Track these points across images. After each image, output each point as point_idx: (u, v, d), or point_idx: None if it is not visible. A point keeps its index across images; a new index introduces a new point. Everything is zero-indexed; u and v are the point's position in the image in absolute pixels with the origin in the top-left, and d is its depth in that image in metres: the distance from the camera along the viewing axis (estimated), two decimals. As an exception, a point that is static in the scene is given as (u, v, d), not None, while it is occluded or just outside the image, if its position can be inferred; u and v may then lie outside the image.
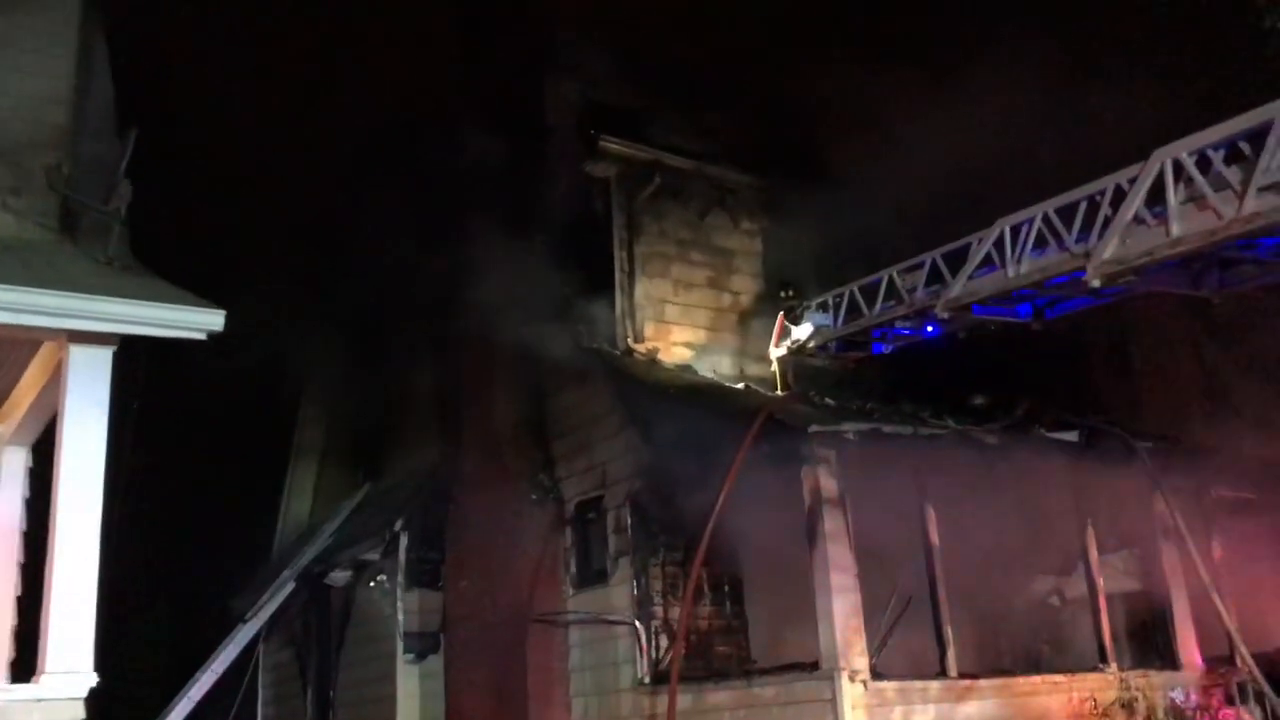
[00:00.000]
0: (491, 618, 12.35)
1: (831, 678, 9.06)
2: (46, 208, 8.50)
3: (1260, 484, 11.84)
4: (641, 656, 11.04)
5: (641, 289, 12.07)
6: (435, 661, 13.27)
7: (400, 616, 13.41)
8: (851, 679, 9.04)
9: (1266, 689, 9.92)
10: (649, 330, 11.99)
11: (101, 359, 6.95)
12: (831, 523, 9.44)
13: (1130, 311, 11.59)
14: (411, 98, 13.41)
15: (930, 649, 9.81)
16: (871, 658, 9.26)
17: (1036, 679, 9.99)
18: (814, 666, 9.31)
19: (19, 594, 8.49)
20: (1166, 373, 14.41)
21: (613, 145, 12.16)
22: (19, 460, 8.67)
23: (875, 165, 11.03)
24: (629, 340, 11.88)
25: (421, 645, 13.31)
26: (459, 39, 13.60)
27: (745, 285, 12.57)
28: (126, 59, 10.25)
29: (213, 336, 7.19)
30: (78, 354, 6.91)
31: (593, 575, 11.74)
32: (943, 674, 9.62)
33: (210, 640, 15.25)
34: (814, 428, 9.45)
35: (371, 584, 14.05)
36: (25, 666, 8.00)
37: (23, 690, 6.42)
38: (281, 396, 16.82)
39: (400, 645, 13.33)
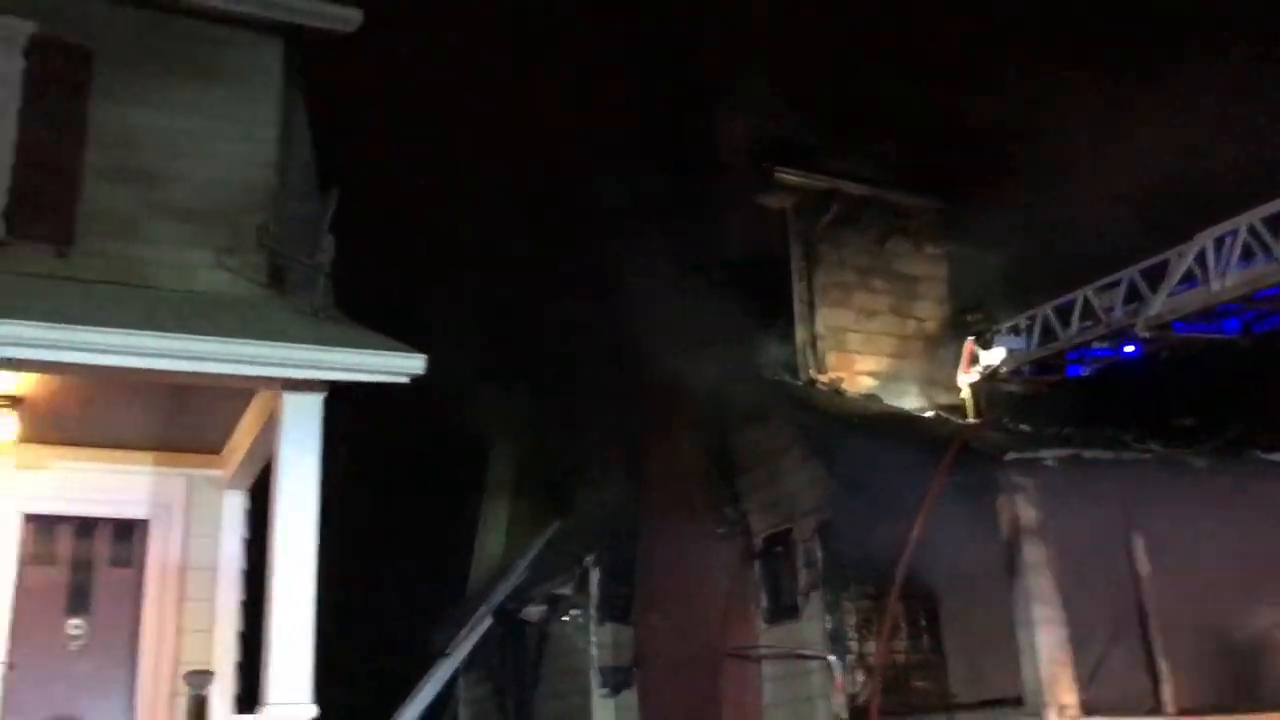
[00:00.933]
0: (683, 652, 12.41)
1: (1038, 713, 8.74)
2: (257, 264, 9.05)
3: None
4: (837, 692, 10.87)
5: (822, 319, 12.00)
6: (630, 695, 13.39)
7: (594, 651, 13.59)
8: (1060, 714, 8.70)
9: None
10: (831, 360, 11.90)
11: (313, 405, 7.34)
12: (1032, 553, 9.13)
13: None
14: (586, 141, 13.73)
15: (1142, 684, 9.35)
16: (1081, 692, 8.89)
17: (1259, 717, 9.40)
18: (1017, 702, 9.00)
19: (241, 630, 8.97)
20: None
21: (788, 176, 12.17)
22: (237, 503, 9.20)
23: (1061, 183, 10.72)
24: (811, 371, 11.81)
25: (615, 679, 13.45)
26: (628, 79, 13.89)
27: (930, 311, 12.35)
28: (323, 121, 10.85)
29: (414, 380, 7.51)
30: (291, 400, 7.31)
31: (784, 609, 11.65)
32: (1157, 710, 9.15)
33: (411, 675, 15.75)
34: (1011, 455, 9.17)
35: (565, 619, 14.29)
36: (249, 699, 8.46)
37: (250, 721, 6.77)
38: (473, 438, 17.32)
39: (595, 680, 13.50)
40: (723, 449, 12.43)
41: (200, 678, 6.80)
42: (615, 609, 13.74)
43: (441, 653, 15.78)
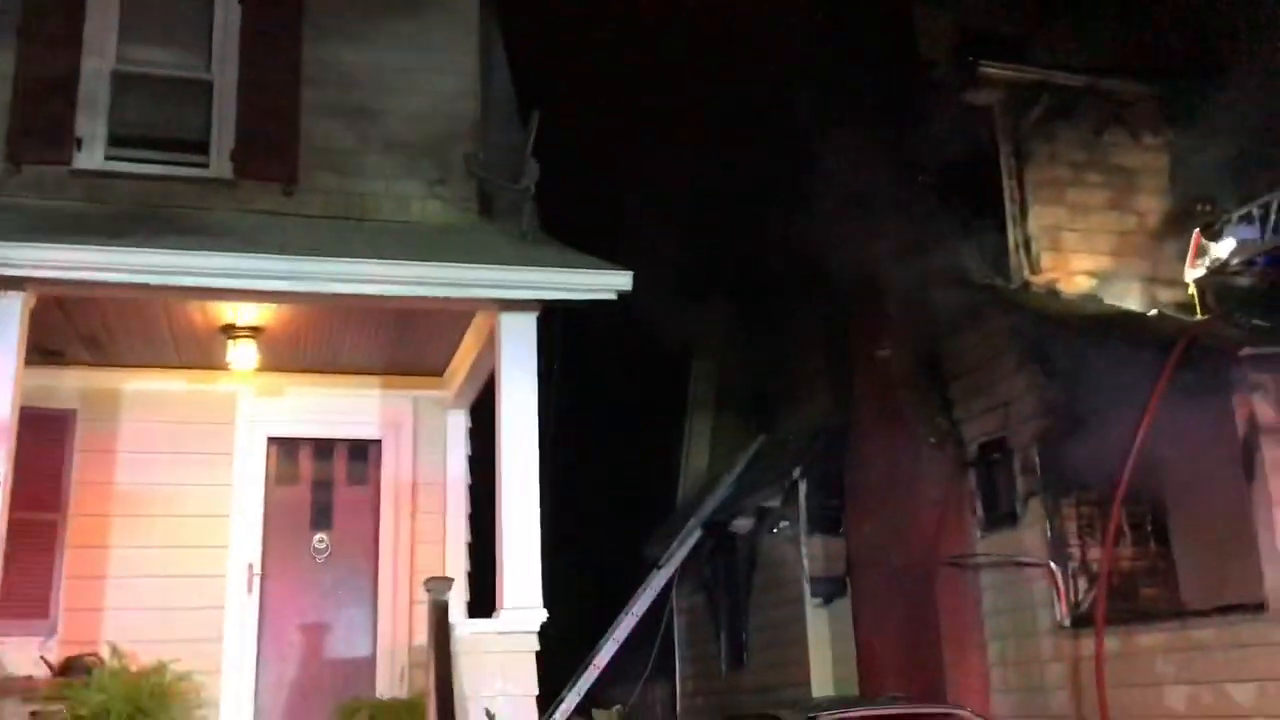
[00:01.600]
0: (897, 562, 12.35)
1: (1281, 620, 8.34)
2: (466, 192, 9.35)
3: None
4: (1059, 599, 10.64)
5: (1034, 218, 11.52)
6: (842, 605, 13.46)
7: (805, 562, 13.68)
8: (1312, 622, 8.29)
9: None
10: (1046, 261, 11.44)
11: (528, 324, 7.58)
12: (1271, 453, 8.65)
13: None
14: (784, 43, 13.49)
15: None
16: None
17: None
18: (1260, 608, 8.60)
19: (469, 541, 9.43)
20: None
21: (994, 70, 11.63)
22: (460, 422, 9.61)
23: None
24: (1025, 273, 11.40)
25: (827, 590, 13.53)
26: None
27: (1151, 205, 11.68)
28: (521, 48, 11.01)
29: (619, 297, 7.63)
30: (508, 321, 7.56)
31: (1001, 517, 11.42)
32: None
33: (626, 587, 16.23)
34: (1247, 350, 8.67)
35: (774, 531, 14.41)
36: (479, 606, 8.91)
37: (487, 624, 7.14)
38: (676, 354, 17.50)
39: (807, 590, 13.61)
40: (933, 356, 12.19)
41: (441, 584, 7.18)
42: (825, 520, 13.78)
43: (654, 565, 16.17)
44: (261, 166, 8.98)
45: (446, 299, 7.53)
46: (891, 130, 12.01)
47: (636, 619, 15.62)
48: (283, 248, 7.55)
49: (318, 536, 9.45)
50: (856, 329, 13.47)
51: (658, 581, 15.96)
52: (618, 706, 14.64)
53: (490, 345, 7.95)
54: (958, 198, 11.76)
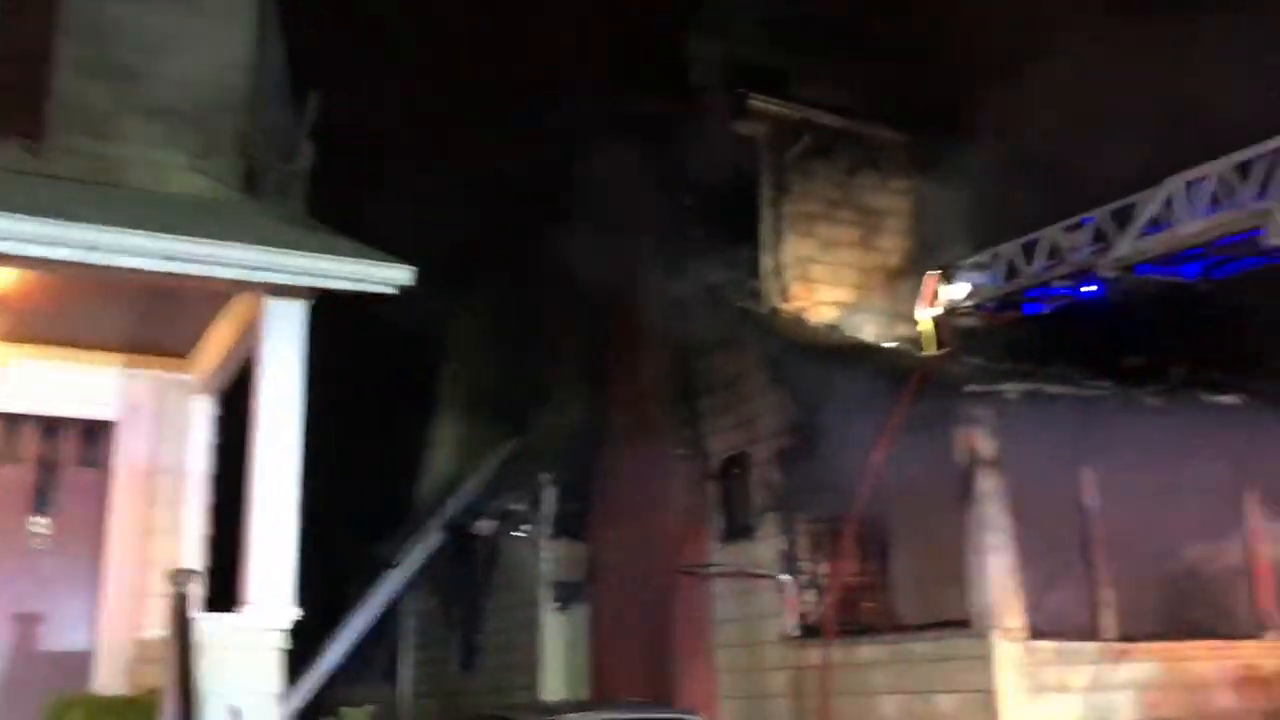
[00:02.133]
0: (637, 569, 12.68)
1: (986, 635, 9.10)
2: (233, 167, 8.95)
3: None
4: (787, 610, 11.21)
5: (788, 248, 12.13)
6: (579, 610, 13.67)
7: (545, 566, 13.81)
8: (1006, 637, 9.07)
9: None
10: (796, 289, 12.05)
11: (298, 312, 7.32)
12: (987, 483, 9.45)
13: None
14: (560, 60, 13.60)
15: (1085, 611, 9.76)
16: (1026, 616, 9.27)
17: (1194, 644, 9.88)
18: (966, 624, 9.35)
19: (209, 534, 9.00)
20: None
21: (761, 104, 12.20)
22: (206, 408, 9.15)
23: (1029, 122, 10.85)
24: (776, 299, 11.96)
25: (566, 594, 13.72)
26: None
27: (893, 245, 12.52)
28: (298, 27, 10.63)
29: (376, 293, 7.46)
30: (276, 307, 7.27)
31: (739, 530, 11.93)
32: (1097, 635, 9.57)
33: (359, 587, 15.88)
34: (971, 387, 9.43)
35: (516, 534, 14.47)
36: (217, 601, 8.51)
37: (234, 619, 6.84)
38: (427, 354, 17.28)
39: (545, 594, 13.74)
40: (685, 372, 12.58)
41: (184, 575, 6.83)
42: (568, 525, 13.96)
43: (388, 564, 15.91)
44: (2, 118, 8.30)
45: (208, 278, 7.14)
46: (661, 150, 12.36)
47: (369, 619, 15.33)
48: (23, 208, 6.97)
49: (38, 520, 8.77)
50: (612, 340, 13.74)
51: (391, 583, 15.72)
52: (369, 706, 14.29)
53: (250, 331, 7.63)
54: (719, 222, 12.21)
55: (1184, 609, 10.60)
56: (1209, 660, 9.77)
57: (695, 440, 12.47)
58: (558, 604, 13.67)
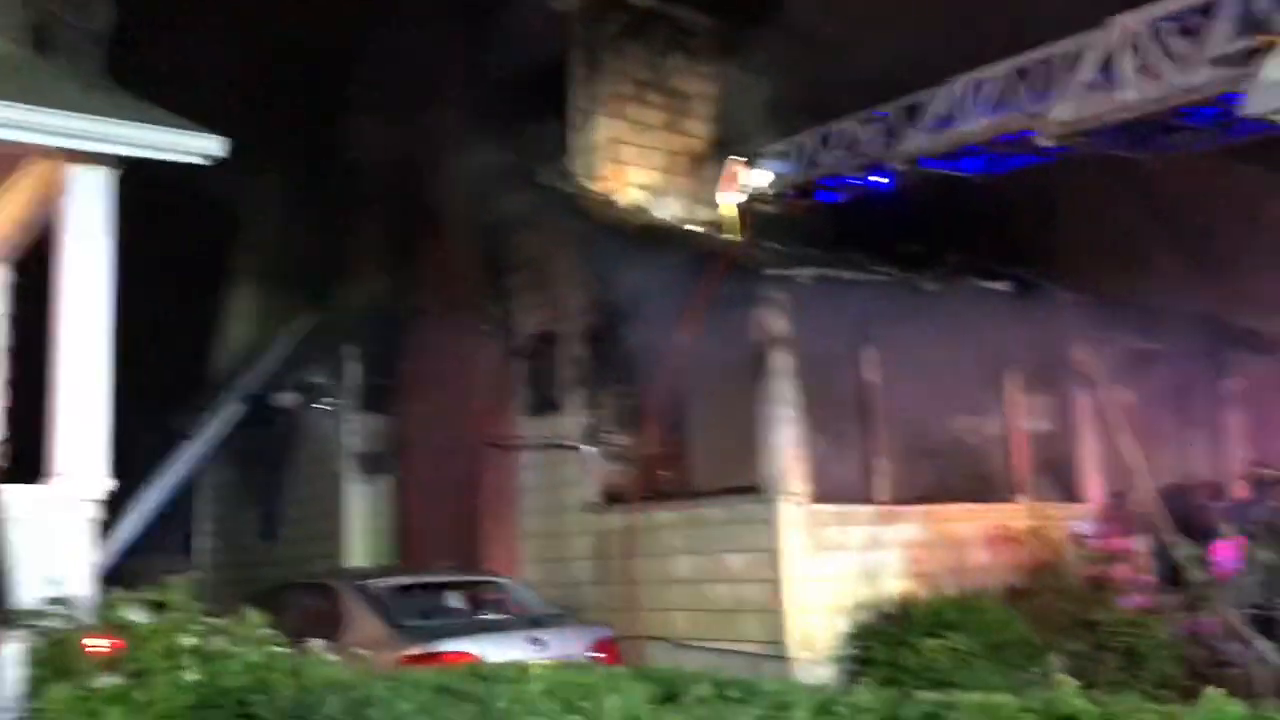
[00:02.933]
0: (445, 441, 12.91)
1: (773, 500, 9.84)
2: (21, 22, 8.44)
3: (1168, 336, 12.77)
4: (591, 479, 11.74)
5: (599, 128, 12.30)
6: (384, 481, 13.85)
7: (349, 438, 13.90)
8: (790, 501, 9.83)
9: (1158, 518, 10.98)
10: (604, 170, 12.28)
11: (103, 180, 7.12)
12: (779, 360, 10.08)
13: (1055, 169, 12.12)
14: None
15: (862, 478, 10.64)
16: (810, 483, 10.05)
17: (955, 507, 10.93)
18: (755, 490, 10.07)
19: (8, 406, 8.73)
20: (1085, 229, 15.18)
21: (574, -22, 12.19)
22: (2, 276, 8.79)
23: (835, 14, 11.27)
24: (585, 179, 12.16)
25: (370, 465, 13.86)
26: None
27: (700, 129, 12.86)
28: None
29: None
30: (80, 175, 7.05)
31: (545, 404, 12.31)
32: (873, 500, 10.47)
33: (153, 460, 15.55)
34: (770, 271, 9.98)
35: (319, 406, 14.44)
36: (22, 475, 8.33)
37: (43, 490, 6.77)
38: (225, 223, 16.72)
39: (348, 465, 13.86)
40: (493, 249, 12.71)
41: (-7, 448, 6.71)
42: (373, 399, 14.03)
43: (184, 436, 15.62)
44: None
45: (6, 143, 6.87)
46: (472, 22, 12.24)
47: (163, 492, 15.08)
48: None
49: None
50: (420, 214, 13.67)
51: (188, 455, 15.46)
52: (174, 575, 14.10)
53: (50, 199, 7.37)
54: (531, 98, 12.24)
55: (949, 475, 11.66)
56: (968, 521, 10.84)
57: (503, 317, 12.70)
58: (362, 475, 13.81)
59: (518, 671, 4.96)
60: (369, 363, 14.06)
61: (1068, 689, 4.26)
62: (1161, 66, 7.71)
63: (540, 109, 12.41)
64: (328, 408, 14.29)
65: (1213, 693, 3.92)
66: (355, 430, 14.00)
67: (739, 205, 11.74)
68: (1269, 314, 14.85)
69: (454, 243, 12.91)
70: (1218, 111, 7.80)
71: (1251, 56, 7.01)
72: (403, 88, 12.41)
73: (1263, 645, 8.80)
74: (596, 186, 12.17)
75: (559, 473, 12.09)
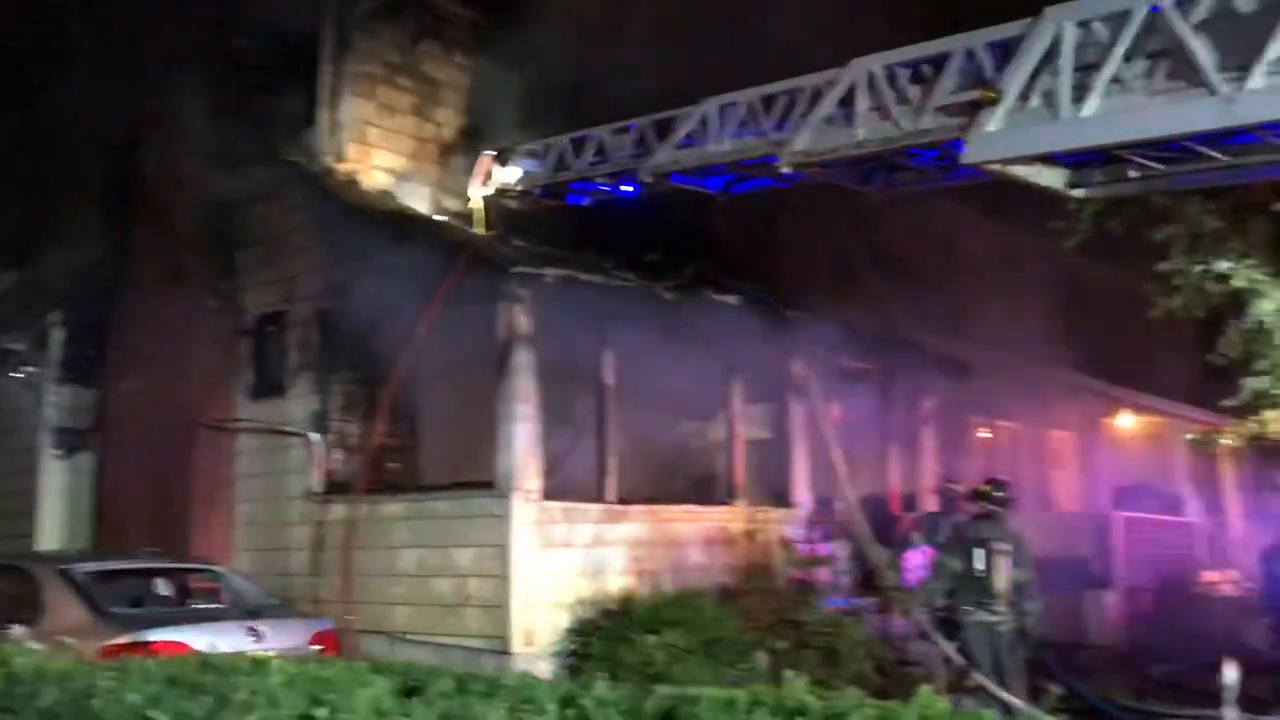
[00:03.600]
0: (156, 420, 12.23)
1: (507, 496, 9.90)
2: None
3: (875, 356, 13.75)
4: (315, 468, 11.42)
5: (346, 107, 12.00)
6: (86, 458, 12.97)
7: (49, 411, 12.95)
8: (525, 498, 9.93)
9: (859, 526, 11.81)
10: (350, 151, 11.99)
11: None
12: (521, 358, 10.16)
13: (783, 193, 12.78)
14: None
15: (593, 477, 10.88)
16: (543, 481, 10.18)
17: (678, 508, 11.35)
18: (489, 486, 10.11)
19: None
20: (808, 249, 16.11)
21: (325, -48, 11.85)
22: None
23: (593, 18, 11.48)
24: (329, 159, 11.84)
25: (71, 441, 12.97)
26: None
27: (450, 119, 12.75)
28: None
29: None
30: None
31: (270, 387, 11.89)
32: (602, 499, 10.72)
33: None
34: (518, 269, 10.04)
35: (15, 375, 13.36)
36: None
37: None
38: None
39: (46, 440, 12.91)
40: (224, 222, 12.16)
41: None
42: (77, 370, 13.13)
43: None
44: None
45: None
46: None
47: None
48: None
49: None
50: (141, 179, 12.88)
51: None
52: None
53: None
54: (276, 71, 11.81)
55: (674, 477, 12.13)
56: (689, 522, 11.28)
57: (230, 293, 12.17)
58: (60, 451, 12.88)
59: (254, 663, 4.80)
60: (75, 330, 13.13)
61: (795, 685, 4.53)
62: (893, 109, 8.31)
63: (290, 82, 11.99)
64: (25, 377, 13.24)
65: (925, 690, 4.28)
66: (56, 403, 13.05)
67: (487, 199, 11.74)
68: (962, 340, 16.27)
69: (181, 210, 12.25)
70: (939, 155, 8.49)
71: (973, 109, 7.68)
72: (130, 48, 11.68)
73: (947, 646, 9.61)
74: (341, 167, 11.87)
75: (281, 459, 11.70)
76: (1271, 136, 6.94)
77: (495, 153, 11.59)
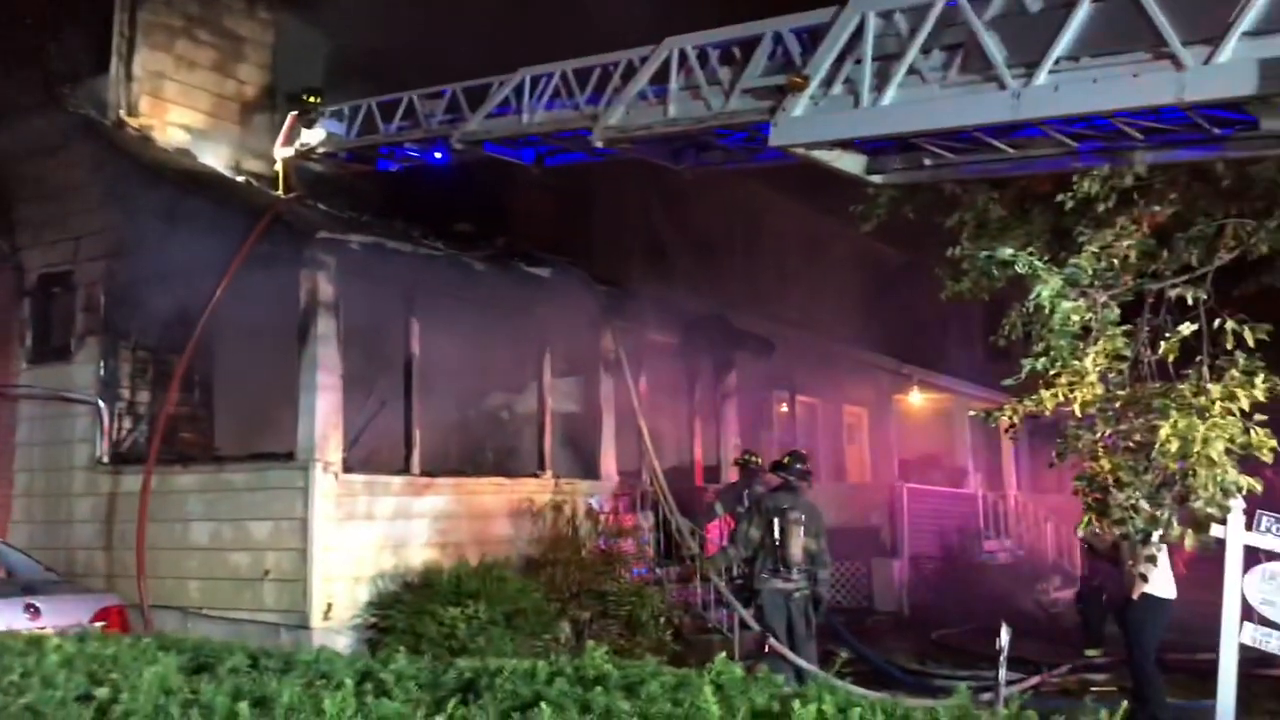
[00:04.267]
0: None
1: (306, 468, 9.65)
2: None
3: (684, 332, 13.99)
4: (102, 436, 10.89)
5: (141, 60, 11.39)
6: None
7: None
8: (325, 470, 9.70)
9: (664, 497, 12.02)
10: (144, 106, 11.41)
11: None
12: (324, 326, 9.90)
13: (595, 166, 12.81)
14: None
15: (398, 449, 10.72)
16: (344, 453, 9.98)
17: (484, 480, 11.30)
18: (289, 457, 9.84)
19: None
20: (620, 225, 16.26)
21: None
22: None
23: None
24: (122, 113, 11.23)
25: None
26: None
27: (253, 76, 12.27)
28: None
29: None
30: None
31: (53, 351, 11.25)
32: (406, 471, 10.58)
33: None
34: (322, 234, 9.77)
35: None
36: None
37: None
38: None
39: None
40: (2, 174, 11.39)
41: None
42: None
43: None
44: None
45: None
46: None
47: None
48: None
49: None
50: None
51: None
52: None
53: None
54: (64, 16, 11.11)
55: (481, 449, 12.06)
56: (495, 494, 11.24)
57: (9, 251, 11.43)
58: None
59: (28, 642, 4.55)
60: None
61: (595, 654, 4.60)
62: (704, 89, 8.42)
63: (79, 29, 11.30)
64: None
65: (720, 656, 4.41)
66: None
67: (290, 161, 11.37)
68: (766, 318, 16.73)
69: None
70: (747, 136, 8.66)
71: (780, 93, 7.86)
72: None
73: (744, 613, 9.90)
74: (135, 123, 11.28)
75: (65, 428, 11.10)
76: (1055, 131, 7.35)
77: (300, 113, 11.20)
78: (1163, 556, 8.18)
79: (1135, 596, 8.61)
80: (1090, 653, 12.21)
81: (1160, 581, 8.61)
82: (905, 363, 20.10)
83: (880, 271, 21.62)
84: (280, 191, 11.28)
